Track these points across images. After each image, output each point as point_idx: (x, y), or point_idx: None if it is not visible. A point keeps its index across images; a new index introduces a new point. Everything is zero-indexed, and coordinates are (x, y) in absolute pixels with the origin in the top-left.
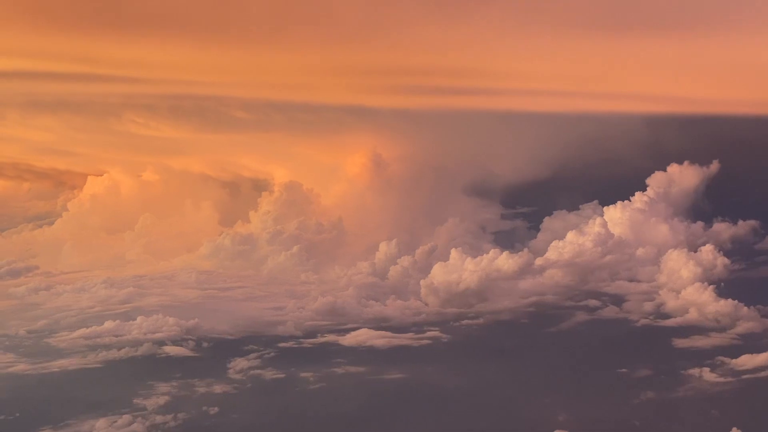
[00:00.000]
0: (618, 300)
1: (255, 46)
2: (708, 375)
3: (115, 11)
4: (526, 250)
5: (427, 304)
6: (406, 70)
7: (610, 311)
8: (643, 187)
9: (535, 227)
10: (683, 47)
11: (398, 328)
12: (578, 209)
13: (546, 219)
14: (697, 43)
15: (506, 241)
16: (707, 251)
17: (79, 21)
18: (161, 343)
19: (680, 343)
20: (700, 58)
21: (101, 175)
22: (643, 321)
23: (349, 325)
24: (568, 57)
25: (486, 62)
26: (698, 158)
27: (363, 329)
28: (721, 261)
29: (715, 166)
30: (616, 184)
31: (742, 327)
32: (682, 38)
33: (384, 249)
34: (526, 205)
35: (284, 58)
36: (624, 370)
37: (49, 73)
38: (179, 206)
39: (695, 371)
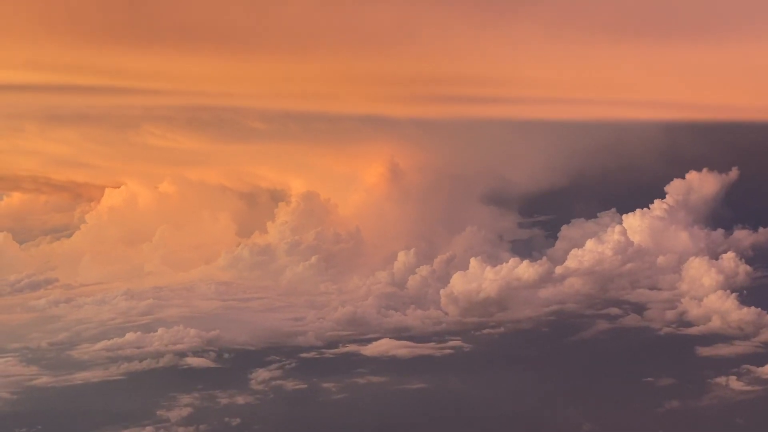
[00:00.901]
0: (639, 308)
1: (272, 56)
2: (735, 383)
3: (133, 24)
4: (545, 258)
5: (447, 314)
6: (422, 79)
7: (631, 320)
8: (662, 195)
9: (552, 235)
10: (701, 54)
11: (419, 338)
12: (596, 217)
13: (563, 227)
14: (716, 49)
15: (524, 250)
16: (728, 259)
17: (97, 34)
18: (183, 354)
19: (704, 351)
20: (718, 64)
21: (119, 187)
22: (666, 329)
23: (370, 335)
24: (585, 65)
25: (502, 71)
26: (717, 165)
27: (384, 339)
28: (743, 268)
29: (734, 172)
30: (635, 192)
31: (767, 335)
32: (700, 45)
33: (402, 258)
34: (544, 214)
35: (301, 68)
36: (648, 379)
37: (67, 86)
38: (197, 217)
39: (721, 380)
